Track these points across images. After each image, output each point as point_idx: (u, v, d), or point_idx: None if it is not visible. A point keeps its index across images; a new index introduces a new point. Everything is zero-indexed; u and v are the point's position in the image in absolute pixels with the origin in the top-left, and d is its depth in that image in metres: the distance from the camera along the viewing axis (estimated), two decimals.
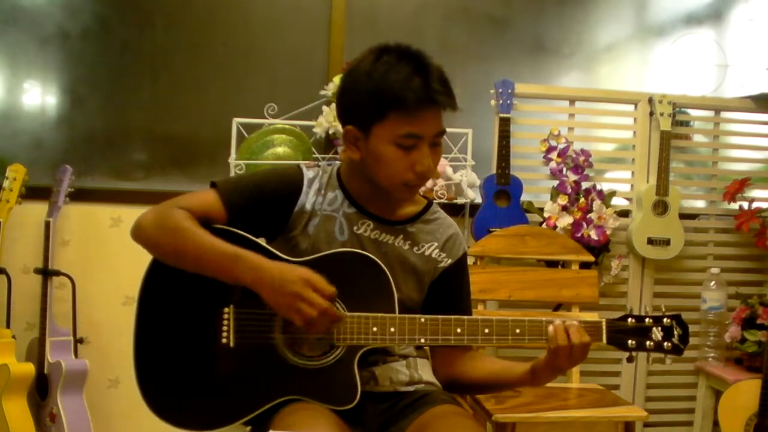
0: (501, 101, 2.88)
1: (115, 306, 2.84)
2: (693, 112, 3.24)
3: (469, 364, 1.65)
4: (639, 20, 3.43)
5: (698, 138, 3.30)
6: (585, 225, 2.86)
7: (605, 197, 2.95)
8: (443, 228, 1.67)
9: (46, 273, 2.67)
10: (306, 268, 1.44)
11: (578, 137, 3.06)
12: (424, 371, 1.65)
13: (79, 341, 2.76)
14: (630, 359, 1.51)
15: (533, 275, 2.63)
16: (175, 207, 1.51)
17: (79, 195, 2.80)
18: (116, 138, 3.05)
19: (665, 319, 1.50)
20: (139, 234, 1.51)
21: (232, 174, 2.75)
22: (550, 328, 1.45)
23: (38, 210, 2.73)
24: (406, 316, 1.49)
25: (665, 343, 1.49)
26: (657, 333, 1.49)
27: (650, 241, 2.96)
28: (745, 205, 3.04)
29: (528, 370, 1.52)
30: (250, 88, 3.07)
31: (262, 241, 1.56)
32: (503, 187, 2.86)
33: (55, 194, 2.71)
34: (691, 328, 2.32)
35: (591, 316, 2.42)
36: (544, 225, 2.86)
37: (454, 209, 2.80)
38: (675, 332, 1.49)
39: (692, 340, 2.87)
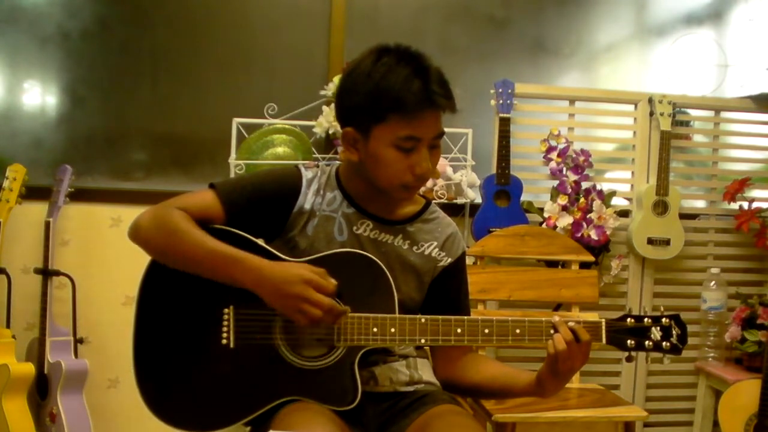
0: (501, 101, 2.88)
1: (115, 306, 2.84)
2: (693, 112, 3.24)
3: (470, 367, 1.64)
4: (639, 20, 3.43)
5: (698, 138, 3.29)
6: (585, 225, 2.86)
7: (605, 197, 2.94)
8: (442, 227, 1.67)
9: (46, 273, 2.67)
10: (304, 264, 1.45)
11: (578, 137, 3.05)
12: (424, 371, 1.65)
13: (79, 341, 2.75)
14: (629, 359, 1.52)
15: (533, 275, 2.63)
16: (172, 208, 1.50)
17: (79, 195, 2.80)
18: (116, 138, 3.05)
19: (664, 319, 1.50)
20: (136, 235, 1.51)
21: (232, 174, 2.75)
22: (550, 342, 1.45)
23: (38, 210, 2.73)
24: (407, 316, 1.48)
25: (664, 343, 1.49)
26: (656, 333, 1.49)
27: (650, 241, 2.96)
28: (745, 205, 3.04)
29: (533, 380, 1.51)
30: (250, 88, 3.07)
31: (260, 242, 1.56)
32: (503, 187, 2.86)
33: (55, 194, 2.71)
34: (691, 328, 2.35)
35: (591, 316, 2.42)
36: (544, 225, 2.86)
37: (454, 209, 2.80)
38: (674, 332, 1.50)
39: (692, 340, 2.91)
